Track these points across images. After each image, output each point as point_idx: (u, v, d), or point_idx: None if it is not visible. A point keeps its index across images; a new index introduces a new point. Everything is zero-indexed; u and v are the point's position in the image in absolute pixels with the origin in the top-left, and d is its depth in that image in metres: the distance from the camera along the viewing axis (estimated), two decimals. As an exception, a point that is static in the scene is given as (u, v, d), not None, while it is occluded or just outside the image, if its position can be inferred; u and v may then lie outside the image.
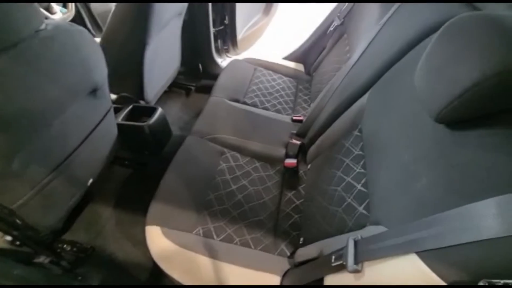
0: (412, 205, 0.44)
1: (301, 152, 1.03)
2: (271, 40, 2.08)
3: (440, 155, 0.42)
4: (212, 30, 1.59)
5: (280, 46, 1.79)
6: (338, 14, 1.26)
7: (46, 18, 1.18)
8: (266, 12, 1.90)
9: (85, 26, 1.77)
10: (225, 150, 0.99)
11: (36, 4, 0.59)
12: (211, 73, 1.76)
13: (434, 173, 0.42)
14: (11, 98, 0.57)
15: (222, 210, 0.83)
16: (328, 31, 1.35)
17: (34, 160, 0.68)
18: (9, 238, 0.75)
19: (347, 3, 1.23)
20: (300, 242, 0.76)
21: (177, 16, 1.28)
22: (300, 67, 1.51)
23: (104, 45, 1.07)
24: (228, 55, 1.85)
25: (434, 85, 0.42)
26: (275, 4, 1.88)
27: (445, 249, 0.33)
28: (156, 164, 0.90)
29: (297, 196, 0.91)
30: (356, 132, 0.73)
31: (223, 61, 1.79)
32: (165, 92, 1.65)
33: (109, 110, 0.97)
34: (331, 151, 0.81)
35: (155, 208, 0.79)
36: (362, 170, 0.65)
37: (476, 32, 0.36)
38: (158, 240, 0.74)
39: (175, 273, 0.72)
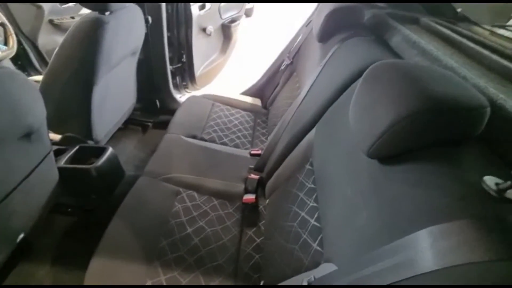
0: (357, 240, 0.44)
1: (260, 187, 1.02)
2: (229, 76, 2.17)
3: (375, 189, 0.44)
4: (169, 67, 1.60)
5: (237, 82, 1.87)
6: (288, 54, 1.36)
7: None
8: (223, 51, 1.99)
9: (31, 63, 1.67)
10: (181, 189, 0.95)
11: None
12: (170, 108, 1.74)
13: (371, 208, 0.43)
14: None
15: (176, 258, 0.76)
16: (280, 69, 1.45)
17: None
18: None
19: (295, 44, 1.35)
20: (261, 285, 0.72)
21: (131, 55, 1.27)
22: (257, 101, 1.57)
23: (46, 85, 1.01)
24: (187, 90, 1.86)
25: (362, 124, 0.45)
26: (231, 44, 1.99)
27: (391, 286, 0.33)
28: (105, 208, 0.81)
29: (258, 233, 0.88)
30: (307, 166, 0.75)
31: (181, 97, 1.79)
32: (120, 129, 1.57)
33: (47, 154, 0.88)
34: (287, 185, 0.81)
35: (96, 263, 0.70)
36: (315, 204, 0.65)
37: (390, 79, 0.41)
38: (98, 303, 0.64)
39: None
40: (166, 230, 0.82)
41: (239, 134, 1.31)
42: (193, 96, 1.46)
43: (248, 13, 4.63)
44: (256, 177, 1.02)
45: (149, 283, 0.69)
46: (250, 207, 0.95)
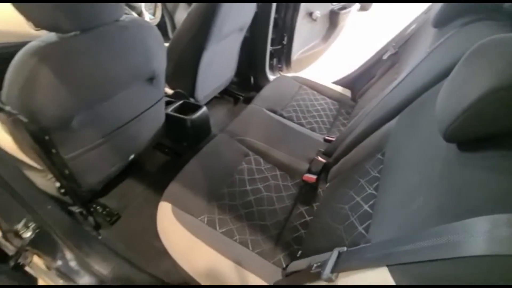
0: (405, 226, 0.40)
1: (324, 171, 1.00)
2: (325, 64, 2.12)
3: (444, 175, 0.38)
4: (269, 48, 1.71)
5: (332, 70, 1.81)
6: (394, 44, 1.23)
7: (127, 13, 1.45)
8: (325, 39, 1.96)
9: (166, 32, 2.09)
10: (250, 152, 1.03)
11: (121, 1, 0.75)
12: (261, 86, 1.86)
13: (432, 193, 0.38)
14: (86, 68, 0.72)
15: (231, 206, 0.86)
16: (380, 62, 1.33)
17: (89, 123, 0.83)
18: (58, 184, 0.91)
19: (406, 33, 1.20)
20: (297, 255, 0.73)
21: (238, 31, 1.43)
22: (347, 92, 1.50)
23: (171, 46, 1.26)
24: (281, 73, 1.94)
25: (447, 103, 0.39)
26: (335, 32, 1.93)
27: (416, 264, 0.30)
28: (190, 156, 0.99)
29: (309, 212, 0.88)
30: (378, 155, 0.70)
31: (274, 78, 1.88)
32: (216, 97, 1.81)
33: (160, 99, 1.11)
34: (351, 172, 0.78)
35: (172, 187, 0.87)
36: (374, 192, 0.61)
37: (493, 53, 0.34)
38: (166, 217, 0.80)
39: (173, 252, 0.76)
40: (229, 180, 0.92)
41: (318, 119, 1.29)
42: (283, 76, 1.52)
43: (365, 7, 4.31)
44: (323, 160, 1.01)
45: (205, 217, 0.81)
46: (309, 186, 0.95)
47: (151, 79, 0.97)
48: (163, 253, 0.77)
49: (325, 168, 1.00)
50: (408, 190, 0.46)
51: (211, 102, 1.79)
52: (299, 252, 0.74)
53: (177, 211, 0.80)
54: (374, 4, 4.31)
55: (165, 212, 0.81)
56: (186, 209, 0.81)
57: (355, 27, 3.30)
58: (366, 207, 0.59)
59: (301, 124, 1.24)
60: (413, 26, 1.17)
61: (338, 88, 1.50)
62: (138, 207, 1.21)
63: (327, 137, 1.16)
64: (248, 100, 1.89)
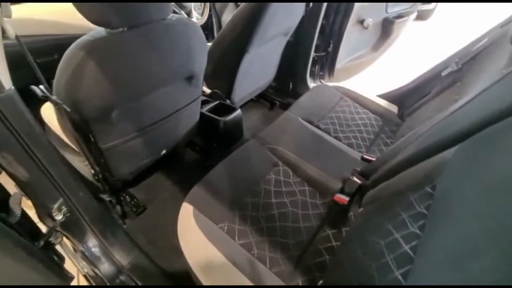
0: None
1: (359, 193, 0.91)
2: (370, 76, 1.98)
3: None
4: (312, 55, 1.64)
5: (378, 83, 1.68)
6: (456, 60, 1.09)
7: (176, 12, 1.49)
8: (375, 49, 1.83)
9: (212, 33, 2.13)
10: (280, 163, 0.98)
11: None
12: (300, 93, 1.80)
13: (505, 256, 0.30)
14: (131, 63, 0.74)
15: (253, 217, 0.82)
16: (439, 76, 1.18)
17: (127, 116, 0.85)
18: (92, 171, 0.95)
19: (473, 49, 1.05)
20: (318, 284, 0.66)
21: (283, 35, 1.39)
22: (393, 108, 1.37)
23: (213, 47, 1.27)
24: (322, 81, 1.86)
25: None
26: (387, 42, 1.79)
27: None
28: (219, 157, 0.98)
29: (337, 237, 0.81)
30: (428, 188, 0.60)
31: (314, 86, 1.81)
32: (252, 100, 1.79)
33: (197, 98, 1.12)
34: (391, 201, 0.69)
35: (197, 189, 0.85)
36: (417, 231, 0.52)
37: None
38: (187, 219, 0.79)
39: (189, 256, 0.74)
40: (254, 190, 0.88)
41: (358, 135, 1.20)
42: (324, 85, 1.44)
43: (423, 16, 3.98)
44: (359, 181, 0.92)
45: (225, 225, 0.78)
46: (339, 208, 0.87)
47: (190, 78, 0.98)
48: (180, 253, 0.76)
49: (360, 190, 0.91)
50: (468, 243, 0.37)
51: (246, 105, 1.77)
52: (321, 281, 0.67)
53: (198, 215, 0.79)
54: (435, 14, 3.96)
55: (187, 214, 0.79)
56: (208, 214, 0.79)
57: (410, 38, 3.05)
58: (406, 247, 0.51)
59: (338, 138, 1.16)
60: (483, 41, 1.02)
61: (384, 103, 1.38)
62: (163, 202, 1.24)
63: (365, 156, 1.06)
64: (284, 106, 1.84)
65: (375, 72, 2.01)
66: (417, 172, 0.68)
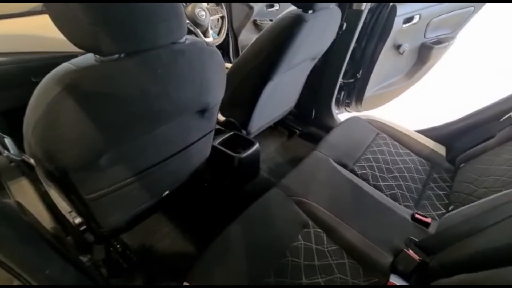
0: None
1: (418, 274, 0.69)
2: (402, 105, 1.77)
3: None
4: (340, 80, 1.46)
5: (413, 114, 1.47)
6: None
7: (192, 30, 1.34)
8: (410, 75, 1.64)
9: (228, 53, 1.99)
10: (310, 223, 0.77)
11: (184, 18, 0.58)
12: (322, 122, 1.61)
13: None
14: (127, 100, 0.56)
15: (278, 308, 0.60)
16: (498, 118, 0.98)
17: (121, 160, 0.67)
18: (78, 220, 0.77)
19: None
20: None
21: (311, 59, 1.21)
22: (440, 149, 1.15)
23: (231, 71, 1.09)
24: (348, 109, 1.66)
25: None
26: (423, 69, 1.60)
27: None
28: (231, 199, 0.79)
29: None
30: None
31: (338, 114, 1.62)
32: (269, 128, 1.60)
33: (210, 132, 0.93)
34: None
35: (201, 267, 0.65)
36: None
37: None
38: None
39: None
40: (279, 265, 0.67)
41: (402, 183, 0.98)
42: (357, 118, 1.24)
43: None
44: (417, 258, 0.69)
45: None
46: (394, 296, 0.65)
47: (203, 111, 0.80)
48: None
49: (419, 269, 0.69)
50: None
51: (263, 133, 1.58)
52: None
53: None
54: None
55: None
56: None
57: (451, 65, 2.69)
58: None
59: (379, 188, 0.95)
60: None
61: (429, 142, 1.17)
62: (161, 251, 1.03)
63: (417, 215, 0.84)
64: (304, 136, 1.64)
65: (406, 102, 1.81)
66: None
